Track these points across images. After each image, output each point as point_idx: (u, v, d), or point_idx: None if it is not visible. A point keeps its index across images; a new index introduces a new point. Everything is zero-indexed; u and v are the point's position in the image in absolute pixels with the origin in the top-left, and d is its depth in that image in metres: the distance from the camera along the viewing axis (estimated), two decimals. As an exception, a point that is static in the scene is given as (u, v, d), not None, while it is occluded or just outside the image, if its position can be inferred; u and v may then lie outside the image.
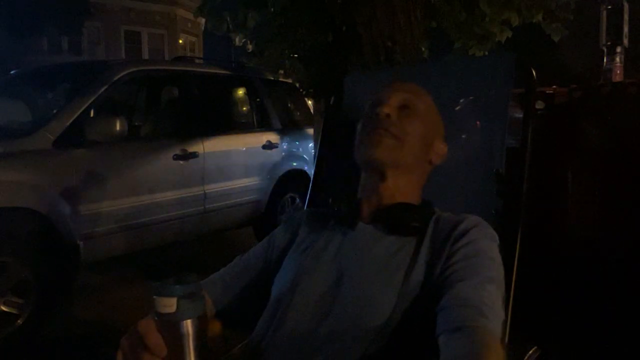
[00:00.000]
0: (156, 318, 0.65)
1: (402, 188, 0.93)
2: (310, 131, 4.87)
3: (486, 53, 4.94)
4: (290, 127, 4.61)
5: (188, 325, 0.64)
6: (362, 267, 0.86)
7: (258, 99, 4.48)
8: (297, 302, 0.87)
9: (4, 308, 2.61)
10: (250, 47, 5.23)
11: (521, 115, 1.19)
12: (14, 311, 2.64)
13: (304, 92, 5.00)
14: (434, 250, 0.84)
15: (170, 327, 0.65)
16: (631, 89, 2.51)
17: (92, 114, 3.08)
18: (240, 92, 4.72)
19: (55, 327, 2.83)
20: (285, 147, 4.44)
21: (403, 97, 0.95)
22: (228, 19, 4.94)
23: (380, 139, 0.91)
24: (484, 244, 0.84)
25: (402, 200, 0.92)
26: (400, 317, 0.78)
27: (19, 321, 2.65)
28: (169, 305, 0.64)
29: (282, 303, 0.88)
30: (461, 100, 1.23)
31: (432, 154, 0.97)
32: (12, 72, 4.20)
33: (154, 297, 0.65)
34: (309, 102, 5.39)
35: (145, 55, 20.16)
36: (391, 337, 0.78)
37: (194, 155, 3.59)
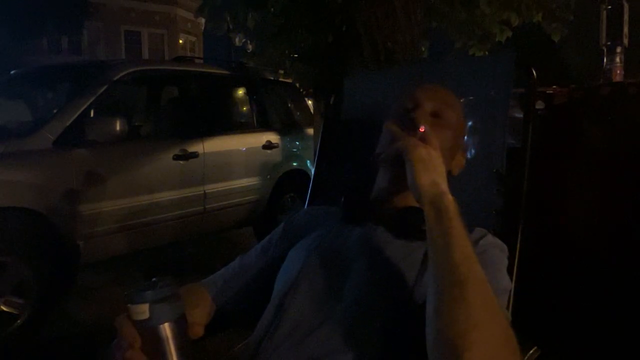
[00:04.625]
0: (135, 326, 0.65)
1: None
2: (310, 131, 4.86)
3: (486, 53, 4.95)
4: (290, 127, 4.61)
5: (166, 329, 0.64)
6: (370, 268, 0.85)
7: (258, 99, 4.48)
8: (300, 300, 0.86)
9: (4, 308, 2.60)
10: (250, 47, 5.23)
11: (521, 115, 1.19)
12: (14, 311, 2.64)
13: (304, 92, 5.01)
14: None
15: (148, 333, 0.65)
16: (631, 89, 2.51)
17: (92, 114, 3.08)
18: (240, 92, 4.72)
19: (55, 327, 2.83)
20: (285, 147, 4.44)
21: (437, 105, 0.94)
22: (228, 19, 4.95)
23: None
24: (492, 255, 0.85)
25: (414, 205, 0.90)
26: (408, 320, 0.78)
27: (19, 321, 2.65)
28: (142, 311, 0.64)
29: (285, 300, 0.87)
30: (461, 100, 1.23)
31: (453, 165, 0.97)
32: (12, 72, 4.20)
33: (128, 305, 0.65)
34: (309, 102, 5.39)
35: (145, 55, 20.19)
36: (396, 339, 0.77)
37: (194, 155, 3.59)
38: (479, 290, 0.66)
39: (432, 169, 0.76)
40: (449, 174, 0.96)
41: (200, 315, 0.93)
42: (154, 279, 0.66)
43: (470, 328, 0.62)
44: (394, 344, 0.77)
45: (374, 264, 0.86)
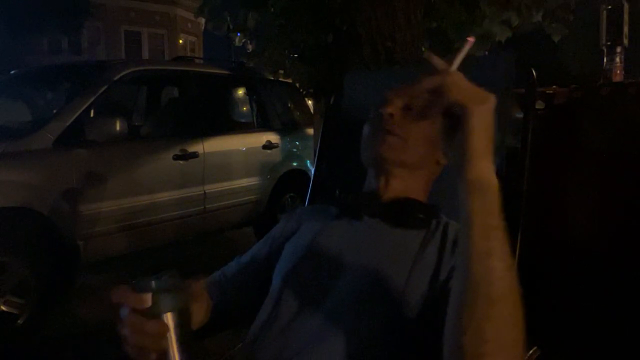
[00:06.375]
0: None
1: (407, 188, 0.93)
2: (310, 131, 4.87)
3: (486, 53, 4.94)
4: (290, 127, 4.61)
5: (168, 318, 0.65)
6: (365, 261, 0.86)
7: (258, 99, 4.48)
8: (297, 293, 0.87)
9: (4, 308, 2.61)
10: (250, 47, 5.23)
11: (521, 115, 1.19)
12: (14, 311, 2.64)
13: (304, 92, 5.01)
14: (441, 256, 0.84)
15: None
16: (631, 89, 2.51)
17: (92, 114, 3.08)
18: (240, 92, 4.71)
19: (55, 327, 2.83)
20: (285, 147, 4.44)
21: (409, 99, 0.93)
22: (228, 19, 4.94)
23: (383, 138, 0.91)
24: None
25: (407, 197, 0.93)
26: (404, 311, 0.78)
27: (19, 321, 2.65)
28: (146, 300, 0.65)
29: (282, 294, 0.88)
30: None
31: (439, 154, 0.95)
32: (12, 72, 4.20)
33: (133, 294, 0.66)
34: (309, 102, 5.39)
35: (145, 55, 20.17)
36: (392, 331, 0.78)
37: (194, 155, 3.58)
38: (515, 308, 0.58)
39: (491, 147, 0.62)
40: (438, 163, 0.97)
41: (198, 312, 0.93)
42: (160, 271, 0.68)
43: (499, 348, 0.57)
44: (389, 335, 0.78)
45: (368, 256, 0.86)
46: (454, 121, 0.60)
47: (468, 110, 0.59)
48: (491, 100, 0.61)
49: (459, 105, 0.59)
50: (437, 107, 0.60)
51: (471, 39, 0.65)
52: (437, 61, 0.62)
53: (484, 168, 0.60)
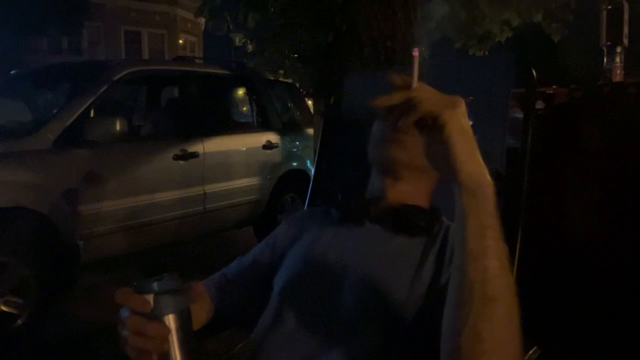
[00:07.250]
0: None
1: (411, 191, 0.92)
2: (310, 131, 4.86)
3: (486, 53, 4.95)
4: (290, 127, 4.61)
5: (169, 320, 0.65)
6: (367, 267, 0.85)
7: (258, 99, 4.48)
8: (299, 300, 0.87)
9: (4, 308, 2.61)
10: (250, 47, 5.24)
11: (521, 115, 1.19)
12: (14, 311, 2.64)
13: (304, 92, 5.01)
14: (442, 260, 0.83)
15: None
16: (631, 89, 2.51)
17: (92, 114, 3.08)
18: (240, 92, 4.71)
19: (55, 327, 2.83)
20: (285, 147, 4.44)
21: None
22: (228, 19, 4.95)
23: (395, 136, 0.88)
24: None
25: (410, 203, 0.91)
26: (407, 318, 0.78)
27: (19, 321, 2.65)
28: (147, 302, 0.64)
29: (285, 301, 0.88)
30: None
31: None
32: (12, 72, 4.20)
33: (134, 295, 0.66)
34: (309, 102, 5.39)
35: (145, 55, 20.17)
36: (395, 338, 0.78)
37: (194, 155, 3.58)
38: (511, 307, 0.58)
39: (475, 147, 0.61)
40: None
41: (198, 314, 0.93)
42: (161, 273, 0.67)
43: (496, 347, 0.57)
44: (392, 343, 0.78)
45: (371, 263, 0.86)
46: (430, 134, 0.61)
47: (442, 118, 0.59)
48: (461, 103, 0.61)
49: (432, 115, 0.59)
50: (409, 120, 0.61)
51: (415, 53, 0.64)
52: (399, 78, 0.63)
53: (473, 170, 0.60)
